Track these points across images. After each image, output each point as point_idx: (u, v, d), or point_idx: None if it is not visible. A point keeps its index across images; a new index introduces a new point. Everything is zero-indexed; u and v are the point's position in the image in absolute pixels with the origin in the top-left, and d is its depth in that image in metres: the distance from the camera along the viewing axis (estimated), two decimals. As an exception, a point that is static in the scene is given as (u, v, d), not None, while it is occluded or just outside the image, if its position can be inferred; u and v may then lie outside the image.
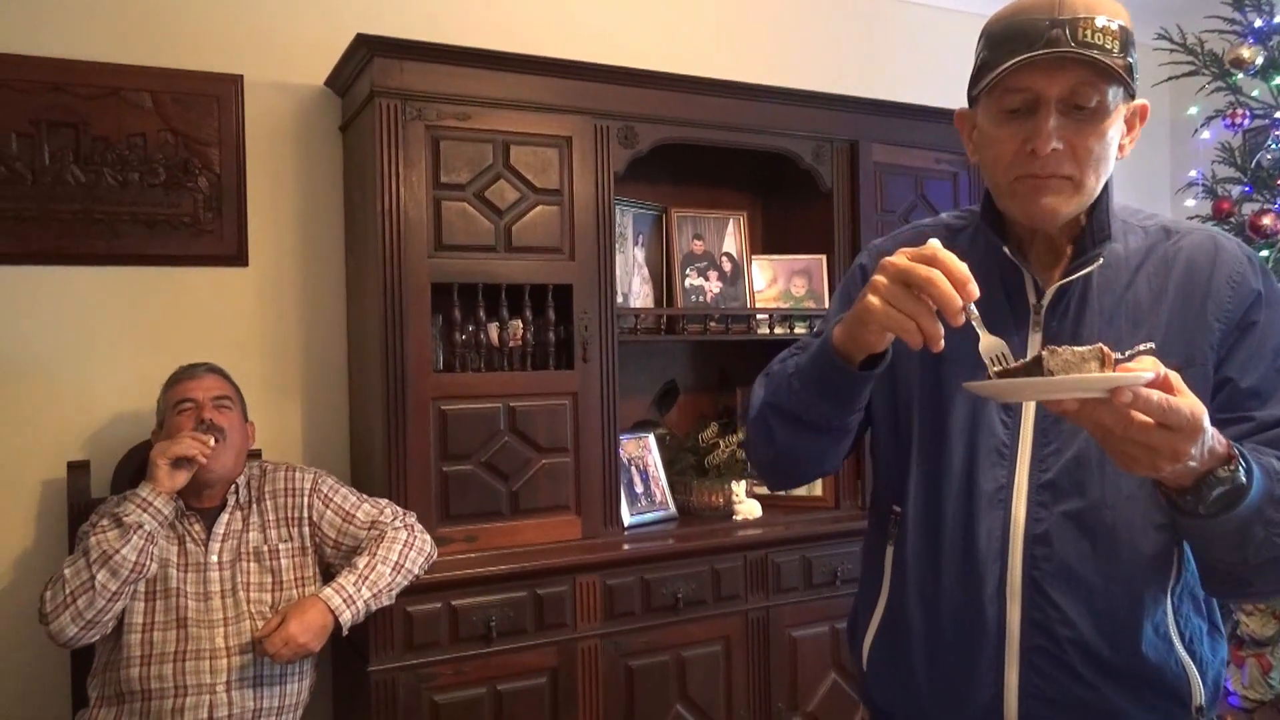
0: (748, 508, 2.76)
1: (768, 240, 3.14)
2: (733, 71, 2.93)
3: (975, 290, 0.93)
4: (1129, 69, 1.05)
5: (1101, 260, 1.13)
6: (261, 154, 2.54)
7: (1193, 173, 2.93)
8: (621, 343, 2.56)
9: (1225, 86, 2.75)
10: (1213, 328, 1.10)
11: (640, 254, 2.85)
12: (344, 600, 1.93)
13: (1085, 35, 1.03)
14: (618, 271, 2.58)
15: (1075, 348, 0.87)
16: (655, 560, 2.45)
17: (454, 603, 2.22)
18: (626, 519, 2.59)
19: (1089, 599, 1.09)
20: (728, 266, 2.93)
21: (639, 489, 2.72)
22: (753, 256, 2.98)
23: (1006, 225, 1.19)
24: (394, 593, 2.04)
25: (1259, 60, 2.61)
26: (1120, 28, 1.05)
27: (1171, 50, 2.79)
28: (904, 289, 0.94)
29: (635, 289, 2.80)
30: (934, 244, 0.96)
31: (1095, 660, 1.09)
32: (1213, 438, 0.92)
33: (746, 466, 2.80)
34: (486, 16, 2.79)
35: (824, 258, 2.91)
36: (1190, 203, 2.94)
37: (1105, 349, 0.86)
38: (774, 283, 2.95)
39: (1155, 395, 0.86)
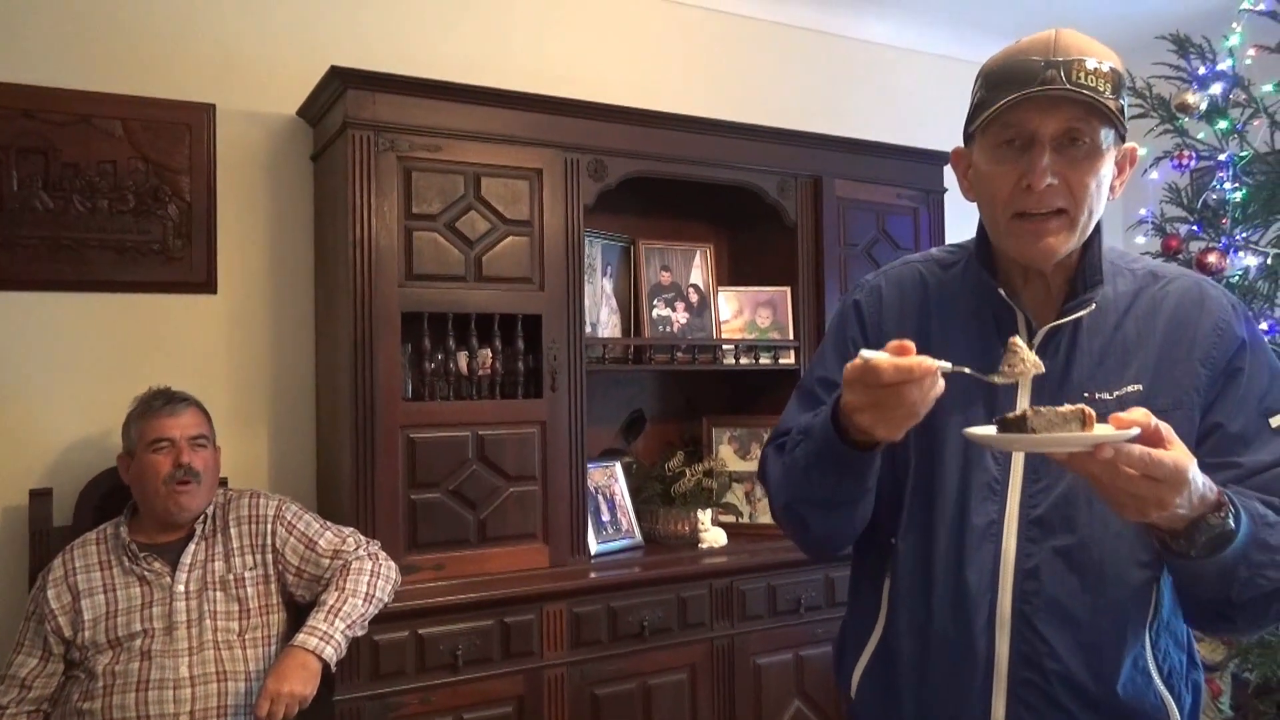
0: (713, 536, 2.79)
1: (734, 272, 3.20)
2: (700, 108, 2.99)
3: (934, 368, 0.95)
4: (1120, 111, 1.08)
5: (1092, 307, 1.16)
6: (232, 182, 2.55)
7: (1142, 211, 3.03)
8: (589, 372, 2.59)
9: (1172, 129, 2.85)
10: (1199, 373, 1.14)
11: (609, 285, 2.88)
12: (320, 638, 1.91)
13: (1079, 76, 1.06)
14: (586, 302, 2.61)
15: (1059, 408, 0.93)
16: (622, 588, 2.47)
17: (421, 631, 2.22)
18: (593, 547, 2.61)
19: (1076, 633, 1.12)
20: (694, 297, 2.97)
21: (606, 517, 2.74)
22: (719, 288, 3.03)
23: (999, 263, 1.21)
24: (366, 622, 2.03)
25: (1203, 106, 2.71)
26: (1112, 70, 1.08)
27: (1121, 93, 2.90)
28: (893, 410, 0.97)
29: (603, 319, 2.84)
30: (863, 357, 0.96)
31: (1079, 694, 1.12)
32: (1204, 486, 0.97)
33: (712, 495, 2.83)
34: (459, 51, 2.83)
35: (788, 290, 2.97)
36: (1140, 240, 3.03)
37: (1087, 410, 0.92)
38: (740, 314, 3.00)
39: (1137, 450, 0.91)
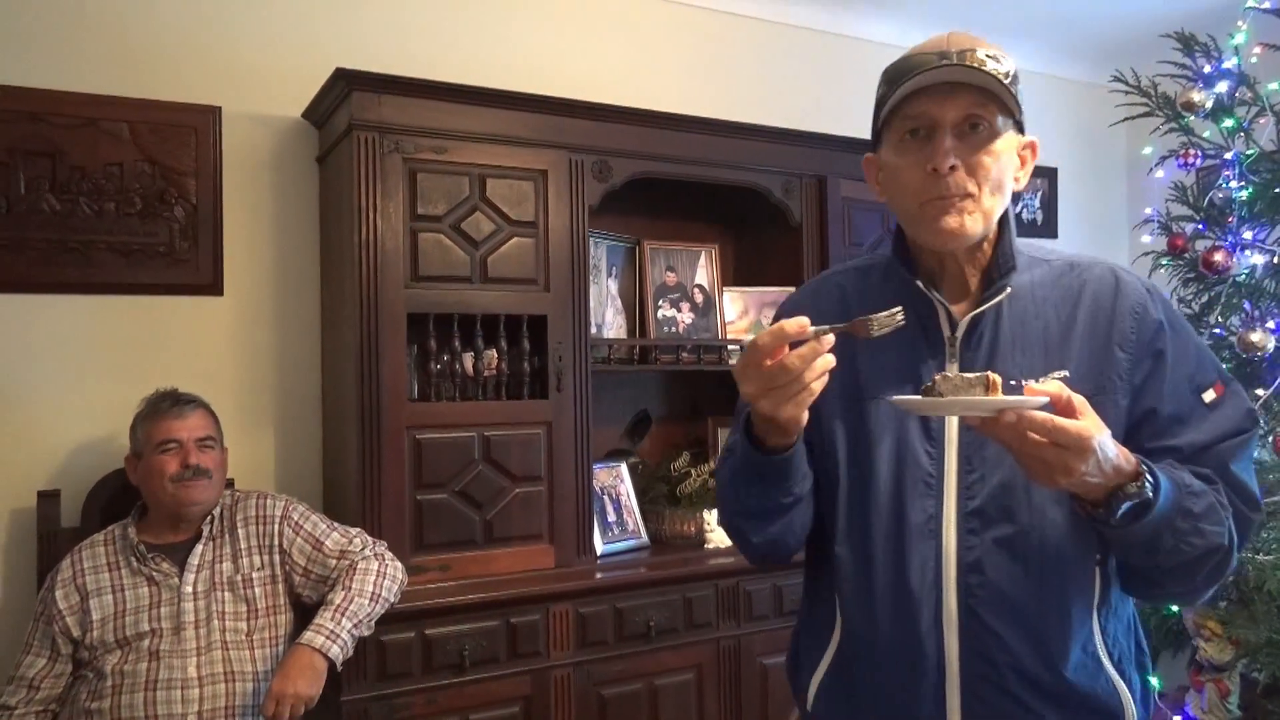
0: (719, 536, 2.78)
1: (739, 272, 3.20)
2: (705, 108, 2.99)
3: (805, 324, 0.99)
4: (1015, 99, 1.13)
5: (1009, 290, 1.19)
6: (238, 184, 2.56)
7: (1148, 210, 3.02)
8: (595, 373, 2.60)
9: (1178, 128, 2.84)
10: (1119, 357, 1.16)
11: (614, 285, 2.89)
12: (327, 637, 1.91)
13: (972, 64, 1.12)
14: (591, 302, 2.61)
15: (965, 374, 1.00)
16: (628, 589, 2.47)
17: (427, 632, 2.22)
18: (599, 548, 2.61)
19: (1024, 623, 1.12)
20: (699, 298, 2.97)
21: (612, 518, 2.74)
22: (724, 288, 3.03)
23: (917, 261, 1.24)
24: (373, 622, 2.04)
25: (1209, 104, 2.70)
26: (1007, 66, 1.14)
27: (1127, 92, 2.88)
28: (783, 388, 1.00)
29: (609, 320, 2.84)
30: (750, 349, 1.01)
31: (1032, 684, 1.12)
32: (1118, 456, 1.01)
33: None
34: (464, 52, 2.84)
35: (793, 290, 2.96)
36: (1146, 239, 3.02)
37: (991, 376, 0.98)
38: (745, 314, 3.00)
39: (1040, 416, 0.96)
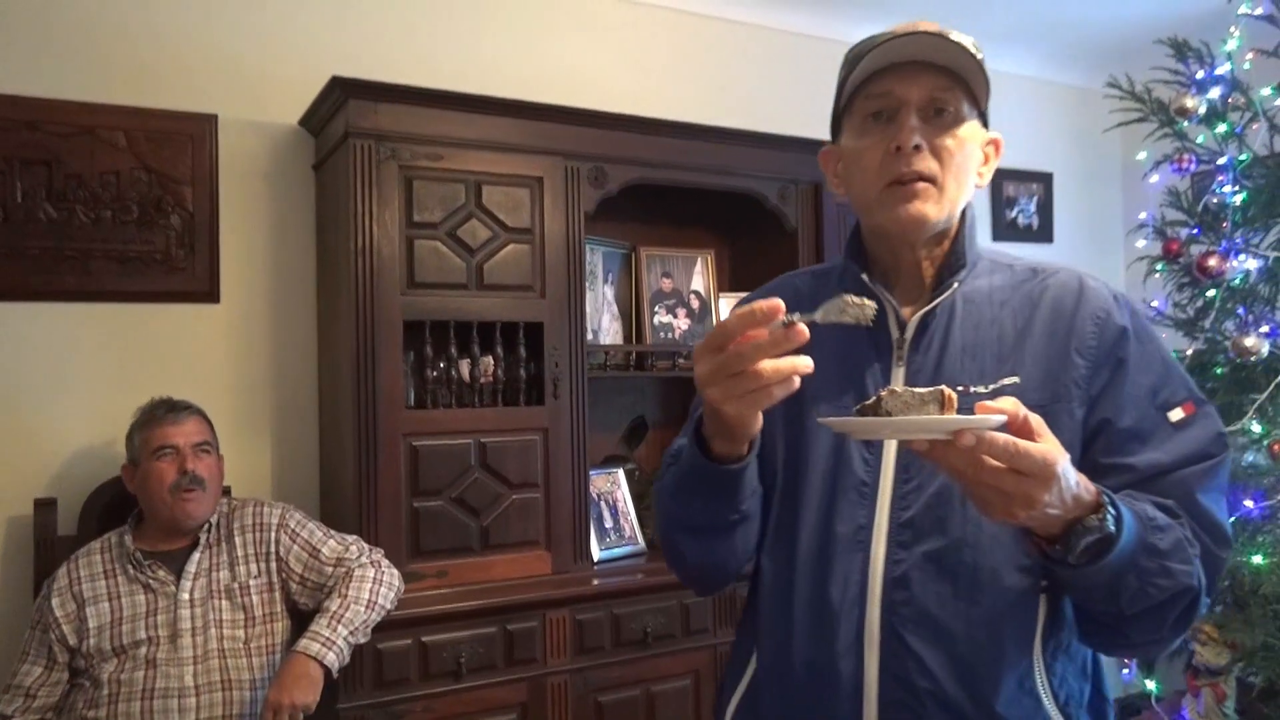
0: (716, 542, 2.78)
1: (734, 278, 3.20)
2: (700, 114, 3.00)
3: (778, 304, 0.86)
4: (984, 81, 1.08)
5: (956, 289, 1.12)
6: (235, 192, 2.57)
7: (1143, 215, 3.03)
8: (591, 379, 2.60)
9: (1172, 133, 2.85)
10: (1076, 364, 1.07)
11: (610, 292, 2.89)
12: (323, 644, 1.91)
13: (940, 35, 1.07)
14: (588, 309, 2.62)
15: (915, 389, 0.86)
16: (625, 595, 2.47)
17: (424, 639, 2.22)
18: (596, 554, 2.61)
19: (950, 647, 1.02)
20: (695, 304, 2.98)
21: (609, 524, 2.74)
22: (720, 294, 3.03)
23: (871, 260, 1.18)
24: (369, 629, 2.04)
25: (1202, 109, 2.72)
26: (975, 47, 1.08)
27: (1121, 97, 2.90)
28: (736, 377, 0.88)
29: (605, 326, 2.85)
30: (715, 328, 0.90)
31: (954, 715, 1.02)
32: (1078, 485, 0.89)
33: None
34: (459, 60, 2.84)
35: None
36: (1141, 243, 3.04)
37: (946, 390, 0.85)
38: (741, 320, 3.01)
39: (1001, 438, 0.83)
